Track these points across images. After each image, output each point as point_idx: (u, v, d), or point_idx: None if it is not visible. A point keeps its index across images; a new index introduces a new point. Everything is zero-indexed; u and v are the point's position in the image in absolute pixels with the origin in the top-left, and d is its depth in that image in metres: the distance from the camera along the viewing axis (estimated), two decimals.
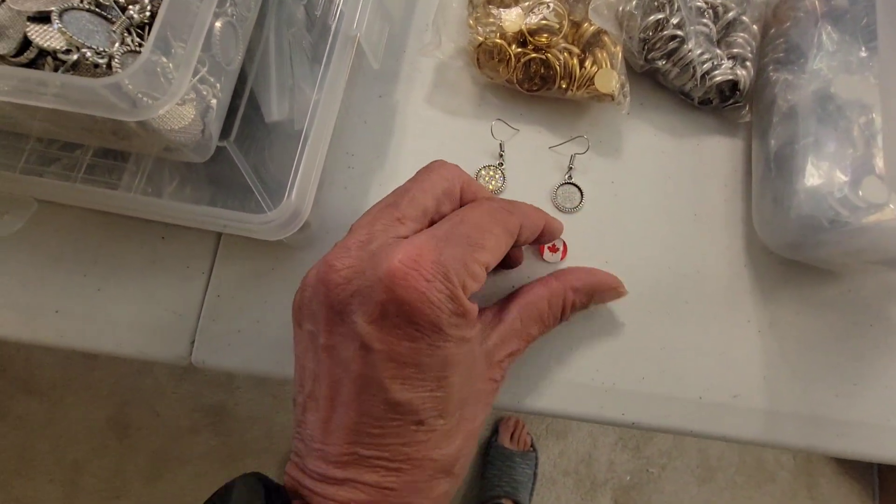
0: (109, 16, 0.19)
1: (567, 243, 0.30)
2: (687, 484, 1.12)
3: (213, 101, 0.21)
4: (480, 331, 0.23)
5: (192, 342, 0.29)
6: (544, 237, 0.26)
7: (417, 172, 0.23)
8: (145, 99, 0.18)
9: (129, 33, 0.18)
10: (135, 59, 0.18)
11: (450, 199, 0.22)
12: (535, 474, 1.04)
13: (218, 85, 0.21)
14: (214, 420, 1.13)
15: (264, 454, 1.11)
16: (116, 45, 0.18)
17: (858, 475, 1.13)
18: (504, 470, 0.99)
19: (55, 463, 1.11)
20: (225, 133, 0.24)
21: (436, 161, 0.23)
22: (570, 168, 0.32)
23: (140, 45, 0.19)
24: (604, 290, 0.27)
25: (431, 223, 0.22)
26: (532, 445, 1.05)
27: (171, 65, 0.18)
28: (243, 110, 0.24)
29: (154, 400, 1.14)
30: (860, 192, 0.27)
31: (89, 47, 0.18)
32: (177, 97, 0.18)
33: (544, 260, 0.30)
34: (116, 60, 0.18)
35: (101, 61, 0.18)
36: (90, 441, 1.12)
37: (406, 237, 0.20)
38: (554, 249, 0.30)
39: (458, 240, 0.20)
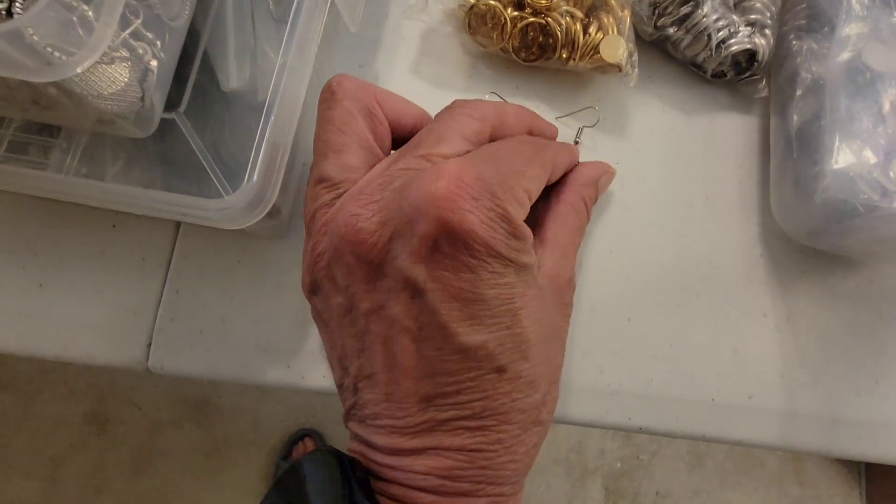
0: None
1: None
2: (677, 470, 1.13)
3: (154, 63, 0.18)
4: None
5: (149, 344, 0.26)
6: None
7: (438, 114, 0.21)
8: (58, 54, 0.14)
9: None
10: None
11: (481, 141, 0.20)
12: None
13: (159, 43, 0.18)
14: (198, 412, 1.10)
15: (251, 446, 1.09)
16: None
17: (845, 459, 1.14)
18: None
19: (33, 459, 1.07)
20: (174, 103, 0.21)
21: (458, 101, 0.21)
22: (577, 143, 0.29)
23: None
24: (601, 176, 0.26)
25: None
26: None
27: (90, 13, 0.14)
28: (195, 76, 0.21)
29: (134, 393, 1.11)
30: (892, 174, 0.25)
31: None
32: (98, 52, 0.14)
33: None
34: (18, 5, 0.14)
35: None
36: (69, 436, 1.08)
37: None
38: None
39: (498, 163, 0.18)
